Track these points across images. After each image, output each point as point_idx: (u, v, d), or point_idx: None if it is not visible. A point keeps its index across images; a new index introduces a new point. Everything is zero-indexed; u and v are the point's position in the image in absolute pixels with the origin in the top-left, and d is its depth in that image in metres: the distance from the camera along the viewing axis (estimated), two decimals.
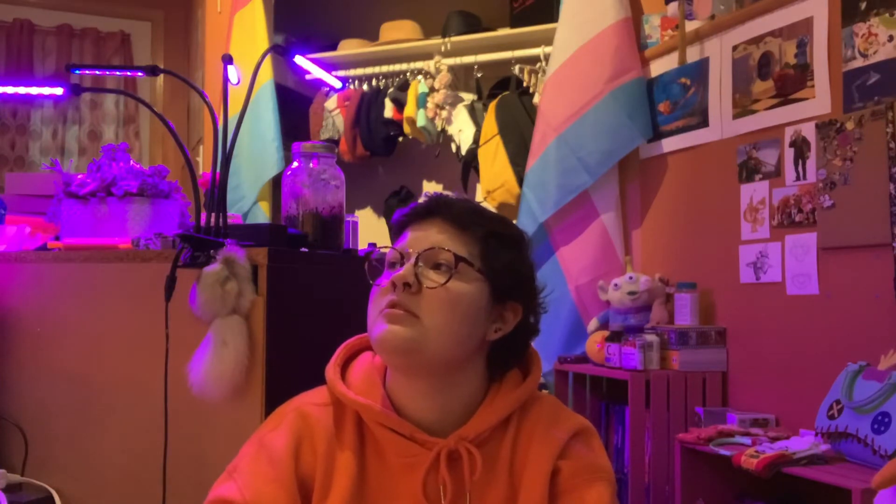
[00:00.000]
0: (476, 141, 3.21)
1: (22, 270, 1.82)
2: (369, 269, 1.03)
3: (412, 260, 0.99)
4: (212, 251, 1.47)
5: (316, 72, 2.01)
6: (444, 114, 3.33)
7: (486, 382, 1.05)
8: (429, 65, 3.42)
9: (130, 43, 4.82)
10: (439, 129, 3.37)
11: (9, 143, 4.56)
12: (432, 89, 3.35)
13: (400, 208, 1.08)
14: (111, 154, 1.89)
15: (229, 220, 1.60)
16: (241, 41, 3.41)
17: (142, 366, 1.60)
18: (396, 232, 1.07)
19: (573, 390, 2.71)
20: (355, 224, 2.04)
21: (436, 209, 1.03)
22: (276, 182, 3.19)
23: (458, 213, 1.02)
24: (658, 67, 2.75)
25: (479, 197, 3.31)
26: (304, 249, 1.69)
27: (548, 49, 3.02)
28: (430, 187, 3.83)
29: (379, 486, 1.00)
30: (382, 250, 1.04)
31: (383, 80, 3.60)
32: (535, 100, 3.06)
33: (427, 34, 3.55)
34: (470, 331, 0.99)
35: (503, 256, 1.02)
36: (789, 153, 2.20)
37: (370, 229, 3.58)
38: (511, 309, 1.04)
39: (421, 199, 1.06)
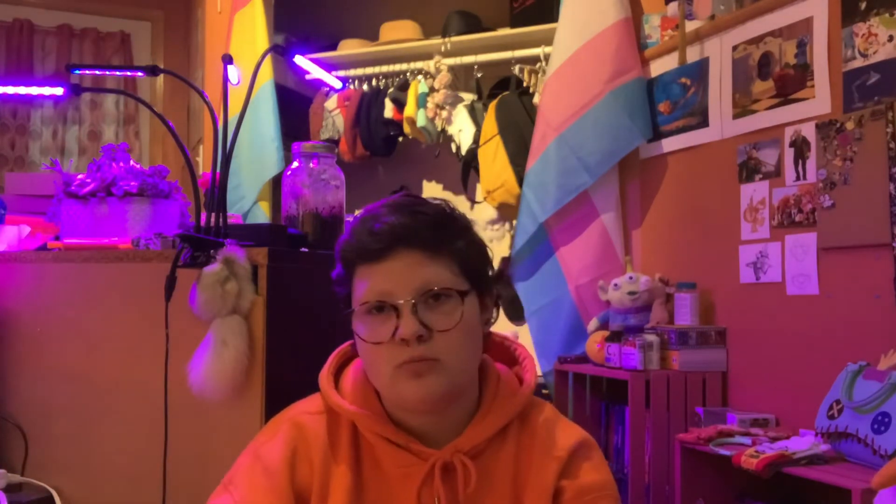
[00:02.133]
0: (476, 141, 3.21)
1: (22, 270, 1.82)
2: (363, 325, 0.98)
3: (408, 309, 0.94)
4: (212, 251, 1.47)
5: (316, 72, 2.01)
6: (444, 114, 3.33)
7: (478, 381, 1.04)
8: (429, 65, 3.42)
9: (130, 43, 4.82)
10: (439, 129, 3.37)
11: (9, 143, 4.56)
12: (432, 89, 3.35)
13: (345, 239, 1.01)
14: (111, 154, 1.89)
15: (229, 220, 1.60)
16: (241, 41, 3.41)
17: (142, 366, 1.60)
18: (354, 265, 0.99)
19: (573, 390, 2.71)
20: None
21: (397, 240, 0.95)
22: (276, 182, 3.19)
23: (424, 239, 0.96)
24: (658, 67, 2.75)
25: (479, 197, 3.31)
26: (304, 249, 1.69)
27: (548, 49, 3.01)
28: (430, 187, 3.83)
29: (376, 494, 0.99)
30: (367, 304, 0.96)
31: (383, 80, 3.60)
32: (535, 100, 3.06)
33: (427, 34, 3.55)
34: (478, 344, 1.01)
35: (474, 256, 1.01)
36: (789, 153, 2.20)
37: None
38: (489, 295, 1.04)
39: (362, 226, 0.97)
